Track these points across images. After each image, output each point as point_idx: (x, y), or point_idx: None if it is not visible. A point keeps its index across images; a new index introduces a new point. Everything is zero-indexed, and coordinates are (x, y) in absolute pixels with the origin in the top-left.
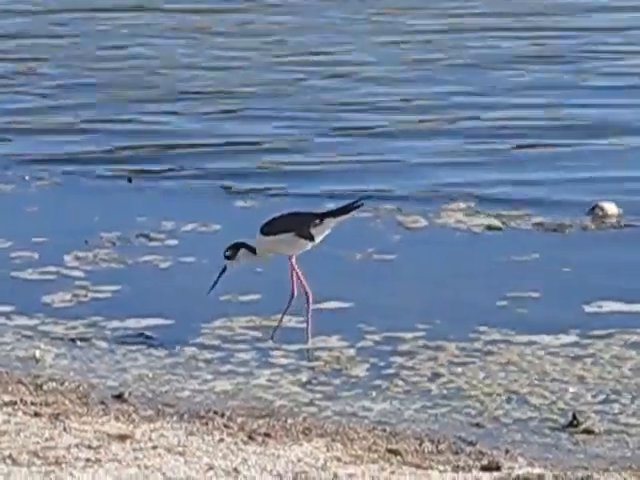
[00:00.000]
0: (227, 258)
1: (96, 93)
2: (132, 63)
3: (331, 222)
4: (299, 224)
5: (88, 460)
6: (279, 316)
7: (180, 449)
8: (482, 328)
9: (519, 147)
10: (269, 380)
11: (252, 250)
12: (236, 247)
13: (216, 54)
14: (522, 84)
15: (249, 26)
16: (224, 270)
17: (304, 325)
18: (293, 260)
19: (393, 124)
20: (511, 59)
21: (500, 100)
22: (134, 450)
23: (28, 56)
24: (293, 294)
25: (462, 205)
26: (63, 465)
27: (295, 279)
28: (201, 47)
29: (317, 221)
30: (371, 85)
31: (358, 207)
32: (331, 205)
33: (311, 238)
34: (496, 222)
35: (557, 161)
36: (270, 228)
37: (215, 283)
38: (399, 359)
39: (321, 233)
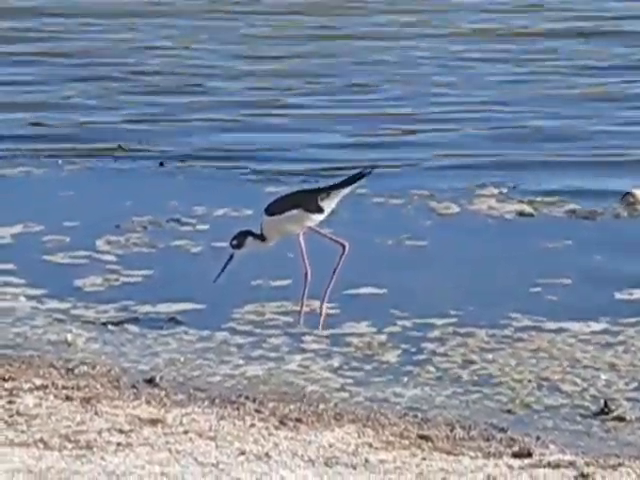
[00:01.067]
0: (234, 247)
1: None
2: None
3: (338, 194)
4: (306, 199)
5: (119, 444)
6: (311, 301)
7: (211, 434)
8: (513, 315)
9: (551, 133)
10: (300, 365)
11: (258, 237)
12: (243, 235)
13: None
14: None
15: None
16: (231, 258)
17: (335, 311)
18: (301, 238)
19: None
20: None
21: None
22: (165, 434)
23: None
24: (307, 273)
25: (494, 191)
26: (94, 449)
27: (304, 257)
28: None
29: (324, 194)
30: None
31: (363, 177)
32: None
33: (320, 210)
34: (528, 209)
35: (588, 148)
36: (276, 208)
37: (222, 272)
38: (430, 345)
39: (329, 206)
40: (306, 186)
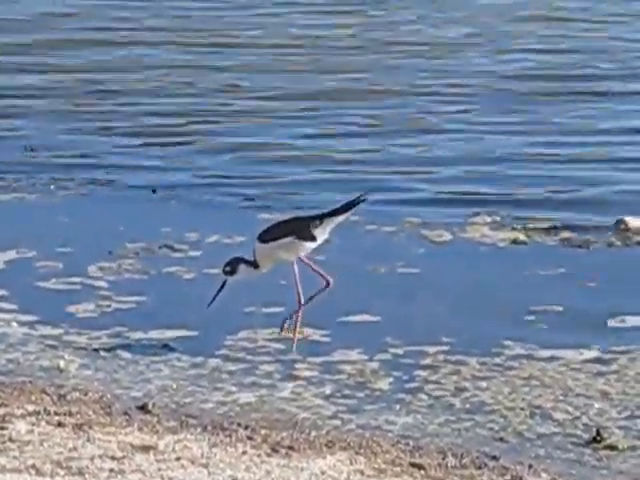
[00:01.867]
0: (227, 273)
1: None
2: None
3: (331, 222)
4: (299, 227)
5: (112, 471)
6: (304, 329)
7: (204, 461)
8: (506, 342)
9: (547, 161)
10: (293, 392)
11: (251, 264)
12: (236, 262)
13: None
14: None
15: None
16: (224, 285)
17: (327, 339)
18: (295, 266)
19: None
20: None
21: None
22: (158, 461)
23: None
24: (300, 301)
25: (487, 219)
26: (87, 476)
27: (298, 285)
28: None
29: (317, 222)
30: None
31: (356, 205)
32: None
33: (313, 239)
34: (522, 237)
35: (583, 176)
36: (269, 235)
37: (214, 298)
38: (423, 373)
39: (322, 234)
40: (300, 213)
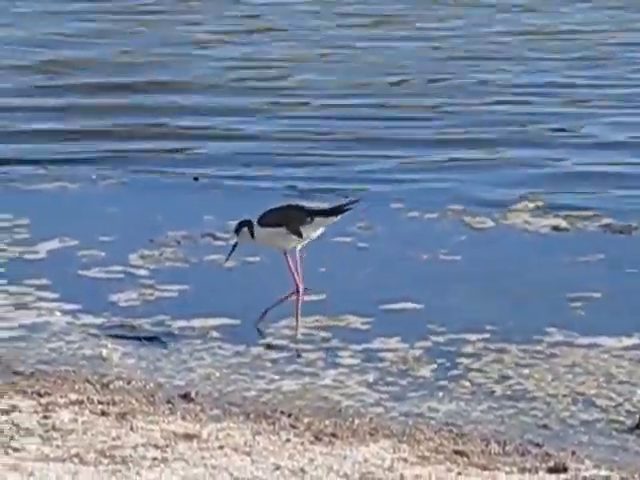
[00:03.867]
0: (235, 233)
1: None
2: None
3: (321, 222)
4: (291, 220)
5: (155, 459)
6: (346, 316)
7: (247, 449)
8: (548, 329)
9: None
10: (335, 380)
11: (251, 233)
12: (241, 225)
13: None
14: None
15: None
16: (235, 245)
17: (370, 326)
18: (288, 255)
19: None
20: None
21: None
22: (201, 449)
23: None
24: (297, 288)
25: (529, 206)
26: (130, 464)
27: (294, 272)
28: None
29: (308, 219)
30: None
31: (349, 209)
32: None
33: (299, 235)
34: (563, 223)
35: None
36: (265, 220)
37: (228, 257)
38: (465, 360)
39: (311, 232)
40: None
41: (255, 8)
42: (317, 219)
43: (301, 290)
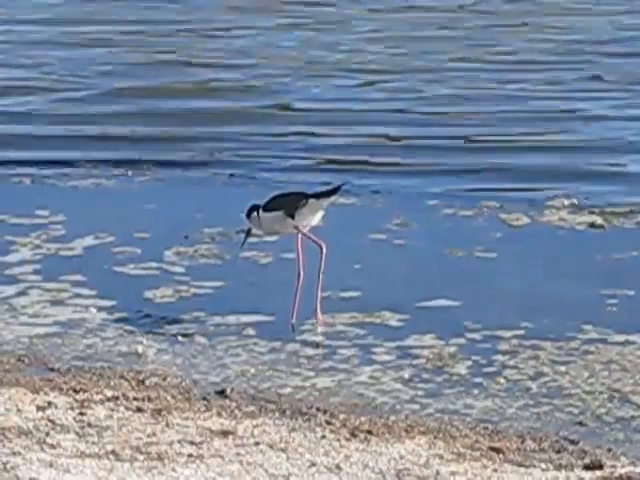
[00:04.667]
0: (247, 217)
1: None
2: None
3: (314, 204)
4: (288, 203)
5: (190, 456)
6: (381, 313)
7: (282, 445)
8: (584, 326)
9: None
10: (371, 377)
11: (258, 218)
12: (252, 209)
13: None
14: None
15: None
16: (249, 230)
17: (405, 323)
18: (298, 239)
19: None
20: None
21: None
22: (236, 446)
23: None
24: (300, 274)
25: (565, 202)
26: (165, 461)
27: (299, 258)
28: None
29: (303, 202)
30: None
31: (339, 189)
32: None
33: (293, 217)
34: (599, 220)
35: None
36: (268, 205)
37: (244, 242)
38: (501, 357)
39: (306, 214)
40: (375, 198)
41: None
42: (310, 201)
43: (301, 276)
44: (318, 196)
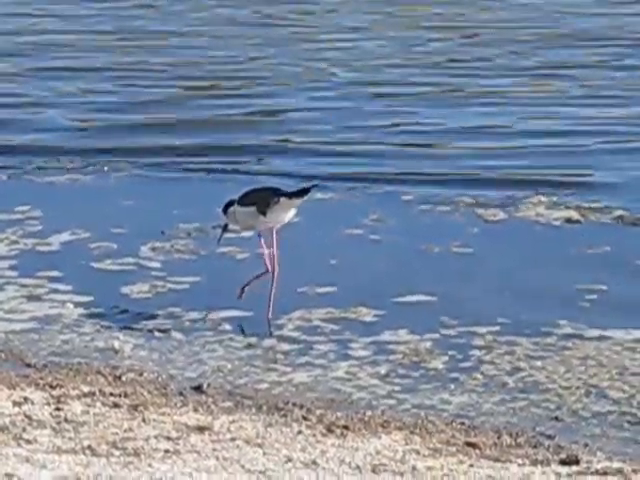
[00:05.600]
0: (223, 213)
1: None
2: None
3: (285, 203)
4: (261, 199)
5: (167, 451)
6: (358, 308)
7: (259, 441)
8: (560, 322)
9: (597, 142)
10: (347, 372)
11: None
12: (228, 205)
13: None
14: None
15: None
16: (226, 226)
17: (382, 319)
18: (262, 236)
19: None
20: None
21: None
22: (213, 442)
23: None
24: (268, 270)
25: (542, 198)
26: (142, 456)
27: (266, 254)
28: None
29: (275, 199)
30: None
31: (311, 190)
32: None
33: (265, 215)
34: (576, 215)
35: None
36: (242, 199)
37: (220, 237)
38: (477, 352)
39: (278, 212)
40: (354, 194)
41: None
42: (282, 199)
43: (275, 272)
44: (290, 195)
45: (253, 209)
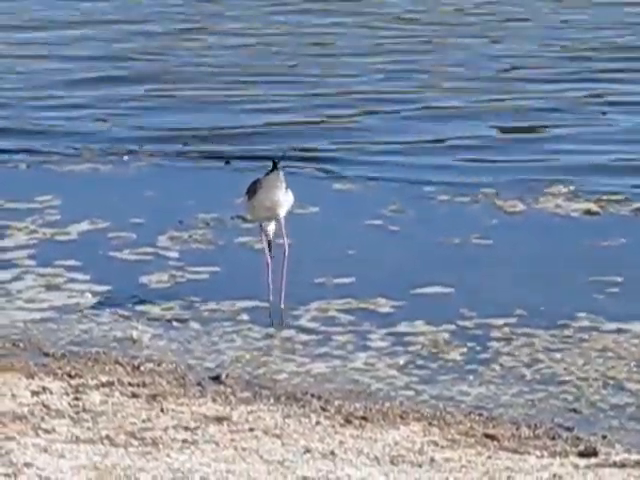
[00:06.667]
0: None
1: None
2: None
3: (265, 182)
4: (250, 186)
5: (185, 441)
6: (376, 299)
7: (277, 431)
8: (578, 314)
9: (621, 132)
10: (366, 363)
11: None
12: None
13: None
14: None
15: None
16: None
17: (400, 310)
18: (263, 225)
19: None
20: None
21: None
22: (231, 432)
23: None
24: (267, 262)
25: (561, 190)
26: (160, 446)
27: (265, 246)
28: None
29: (259, 183)
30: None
31: (277, 161)
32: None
33: (250, 198)
34: (595, 207)
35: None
36: (246, 189)
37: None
38: (496, 344)
39: (261, 195)
40: (372, 184)
41: None
42: (262, 181)
43: (270, 266)
44: (267, 174)
45: (245, 198)
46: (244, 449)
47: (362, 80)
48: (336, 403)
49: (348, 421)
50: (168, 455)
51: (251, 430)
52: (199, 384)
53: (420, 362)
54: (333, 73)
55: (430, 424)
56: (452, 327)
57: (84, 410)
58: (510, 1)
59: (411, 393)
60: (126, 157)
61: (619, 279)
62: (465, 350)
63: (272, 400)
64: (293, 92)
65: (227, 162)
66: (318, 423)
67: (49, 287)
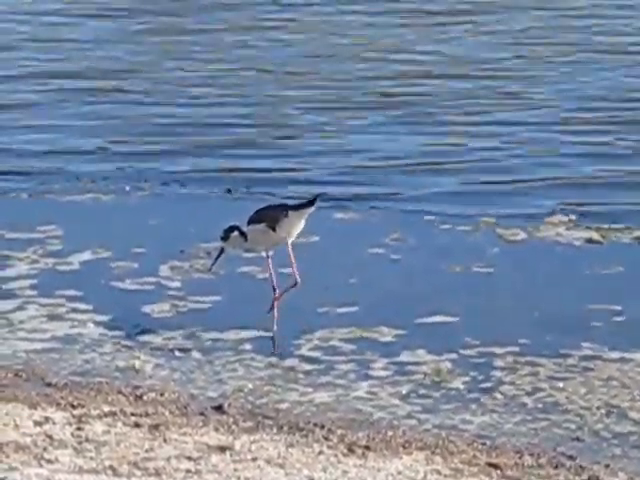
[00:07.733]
0: (222, 239)
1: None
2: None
3: (294, 216)
4: (270, 216)
5: (188, 471)
6: (379, 328)
7: (280, 461)
8: (581, 343)
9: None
10: (368, 392)
11: (243, 235)
12: (230, 230)
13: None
14: None
15: None
16: (222, 251)
17: (402, 339)
18: (269, 255)
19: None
20: None
21: None
22: (234, 462)
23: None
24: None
25: (563, 218)
26: (163, 476)
27: (271, 274)
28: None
29: (284, 213)
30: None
31: (317, 200)
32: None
33: (274, 230)
34: (596, 236)
35: None
36: (252, 218)
37: (214, 263)
38: (498, 373)
39: (287, 226)
40: (374, 213)
41: None
42: (290, 213)
43: (277, 295)
44: (297, 208)
45: (262, 226)
46: (247, 479)
47: None
48: (339, 432)
49: (351, 450)
50: None
51: (254, 460)
52: (202, 414)
53: (423, 391)
54: None
55: (433, 453)
56: (454, 356)
57: (87, 440)
58: None
59: (414, 422)
60: (127, 187)
61: (622, 308)
62: (468, 379)
63: (275, 429)
64: None
65: (228, 191)
66: (321, 452)
67: (51, 317)
